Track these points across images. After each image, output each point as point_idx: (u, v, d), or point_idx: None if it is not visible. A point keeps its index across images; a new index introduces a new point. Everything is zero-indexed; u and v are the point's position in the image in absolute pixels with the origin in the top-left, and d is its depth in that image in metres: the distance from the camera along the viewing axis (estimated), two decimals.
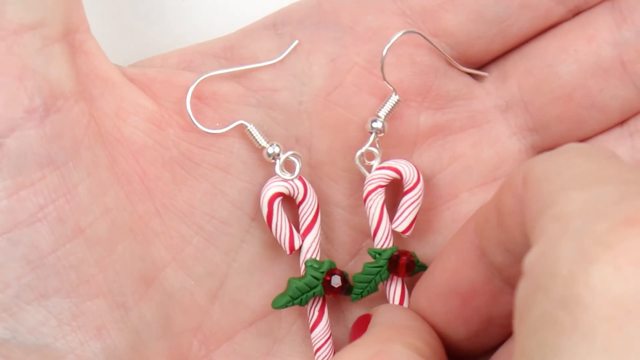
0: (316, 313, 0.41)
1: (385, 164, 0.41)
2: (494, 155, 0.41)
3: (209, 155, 0.40)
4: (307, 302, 0.41)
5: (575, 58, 0.40)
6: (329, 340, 0.41)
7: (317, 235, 0.41)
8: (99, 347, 0.38)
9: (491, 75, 0.42)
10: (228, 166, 0.40)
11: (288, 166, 0.41)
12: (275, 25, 0.41)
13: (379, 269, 0.41)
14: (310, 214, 0.41)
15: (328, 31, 0.41)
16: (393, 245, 0.41)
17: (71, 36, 0.38)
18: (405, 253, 0.41)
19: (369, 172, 0.41)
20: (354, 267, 0.42)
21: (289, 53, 0.41)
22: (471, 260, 0.35)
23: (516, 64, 0.41)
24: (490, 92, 0.42)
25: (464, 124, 0.41)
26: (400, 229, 0.41)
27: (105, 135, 0.38)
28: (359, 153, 0.41)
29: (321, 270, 0.41)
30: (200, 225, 0.40)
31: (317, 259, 0.41)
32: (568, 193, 0.29)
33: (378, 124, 0.40)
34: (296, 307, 0.42)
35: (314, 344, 0.41)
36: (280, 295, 0.41)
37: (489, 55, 0.42)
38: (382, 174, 0.41)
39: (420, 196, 0.41)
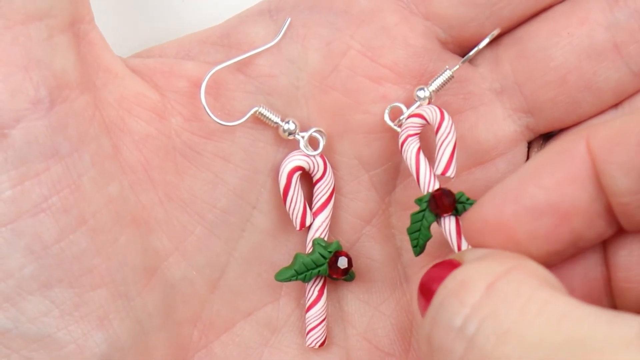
0: (315, 293, 0.41)
1: (410, 114, 0.40)
2: (490, 136, 0.42)
3: (211, 144, 0.40)
4: (310, 279, 0.41)
5: (568, 41, 0.41)
6: (323, 323, 0.41)
7: (328, 215, 0.41)
8: (101, 337, 0.38)
9: (485, 59, 0.42)
10: (229, 155, 0.40)
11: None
12: (270, 11, 0.41)
13: (423, 212, 0.39)
14: (325, 193, 0.41)
15: (322, 15, 0.41)
16: None
17: (76, 26, 0.37)
18: (440, 189, 0.39)
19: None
20: (354, 254, 0.42)
21: (285, 39, 0.41)
22: (580, 180, 0.33)
23: (509, 47, 0.42)
24: (484, 75, 0.42)
25: (460, 106, 0.41)
26: (439, 171, 0.40)
27: (109, 125, 0.38)
28: (388, 109, 0.40)
29: (329, 250, 0.41)
30: (202, 214, 0.40)
31: (325, 239, 0.41)
32: None
33: (425, 93, 0.40)
34: (294, 297, 0.42)
35: (307, 324, 0.41)
36: (285, 269, 0.41)
37: (481, 38, 0.42)
38: (408, 123, 0.40)
39: (449, 133, 0.40)
